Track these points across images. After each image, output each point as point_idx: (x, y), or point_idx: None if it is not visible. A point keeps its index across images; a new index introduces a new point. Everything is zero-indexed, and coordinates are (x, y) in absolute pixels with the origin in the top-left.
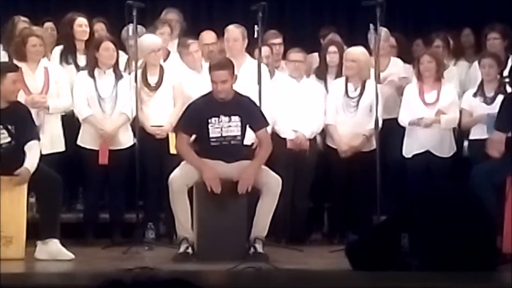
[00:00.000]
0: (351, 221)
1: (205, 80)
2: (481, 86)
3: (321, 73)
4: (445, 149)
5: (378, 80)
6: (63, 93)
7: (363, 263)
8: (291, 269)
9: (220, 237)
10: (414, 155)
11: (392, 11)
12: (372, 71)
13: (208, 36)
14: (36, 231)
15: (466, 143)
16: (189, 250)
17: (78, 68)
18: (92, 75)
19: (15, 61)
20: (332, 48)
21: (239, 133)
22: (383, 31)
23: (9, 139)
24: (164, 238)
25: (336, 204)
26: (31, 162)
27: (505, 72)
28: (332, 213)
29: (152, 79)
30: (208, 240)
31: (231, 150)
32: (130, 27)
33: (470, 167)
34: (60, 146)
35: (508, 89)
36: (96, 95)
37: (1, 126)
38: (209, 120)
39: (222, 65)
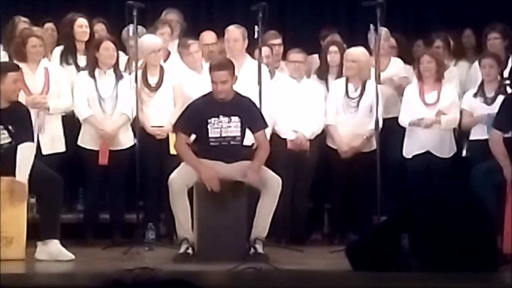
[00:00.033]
0: (351, 222)
1: (206, 80)
2: (481, 86)
3: (322, 73)
4: (445, 150)
5: (378, 80)
6: (64, 93)
7: (364, 264)
8: (291, 270)
9: (220, 237)
10: (414, 156)
11: (393, 12)
12: (373, 71)
13: (208, 36)
14: (36, 232)
15: (466, 145)
16: (189, 250)
17: (78, 68)
18: (92, 75)
19: (15, 62)
20: (333, 48)
21: (239, 134)
22: (383, 30)
23: (9, 139)
24: (164, 239)
25: (337, 205)
26: (22, 173)
27: (506, 73)
28: (332, 214)
29: (152, 80)
30: (208, 241)
31: (231, 151)
32: (131, 27)
33: (470, 168)
34: (60, 147)
35: (509, 90)
36: (96, 95)
37: (2, 127)
38: (209, 120)
39: (222, 65)
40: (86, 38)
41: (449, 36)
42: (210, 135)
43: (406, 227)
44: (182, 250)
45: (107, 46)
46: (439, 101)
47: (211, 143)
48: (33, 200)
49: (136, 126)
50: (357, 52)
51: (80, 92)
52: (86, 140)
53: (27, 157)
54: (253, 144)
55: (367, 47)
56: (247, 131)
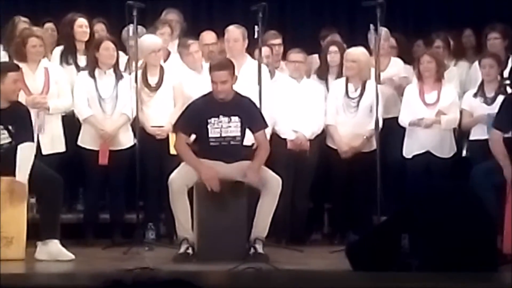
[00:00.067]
0: (351, 222)
1: (206, 80)
2: (481, 86)
3: (323, 73)
4: (446, 150)
5: (378, 80)
6: (64, 93)
7: (364, 264)
8: (291, 270)
9: (220, 237)
10: (414, 156)
11: (393, 12)
12: (373, 71)
13: (209, 36)
14: (36, 232)
15: (466, 145)
16: (189, 250)
17: (78, 68)
18: (92, 75)
19: (15, 62)
20: (333, 48)
21: (239, 134)
22: (383, 30)
23: (9, 139)
24: (165, 239)
25: (337, 205)
26: (22, 173)
27: (506, 73)
28: (332, 214)
29: (153, 80)
30: (208, 241)
31: (231, 151)
32: (131, 27)
33: (470, 168)
34: (60, 147)
35: (509, 90)
36: (96, 95)
37: (2, 127)
38: (209, 120)
39: (222, 65)
40: (86, 38)
41: (449, 36)
42: (210, 135)
43: (406, 227)
44: (182, 250)
45: (107, 46)
46: (439, 101)
47: (211, 143)
48: (33, 200)
49: (136, 126)
50: (357, 52)
51: (80, 92)
52: (86, 140)
53: (27, 157)
54: (253, 144)
55: (367, 47)
56: (247, 131)
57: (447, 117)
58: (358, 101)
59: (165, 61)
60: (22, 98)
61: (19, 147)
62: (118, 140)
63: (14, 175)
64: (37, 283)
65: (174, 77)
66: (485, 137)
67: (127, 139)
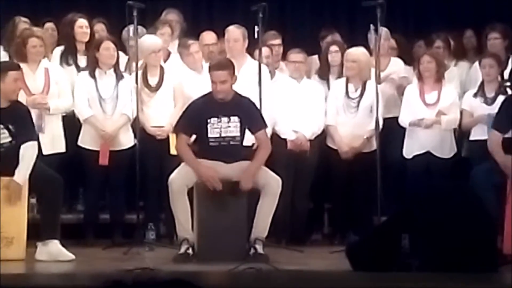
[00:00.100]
0: (352, 222)
1: (206, 80)
2: (481, 86)
3: (324, 73)
4: (446, 150)
5: (378, 80)
6: (64, 93)
7: (364, 264)
8: (291, 270)
9: (220, 237)
10: (414, 156)
11: (393, 12)
12: (373, 71)
13: (209, 36)
14: (36, 232)
15: (466, 145)
16: (190, 250)
17: (78, 69)
18: (93, 75)
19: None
20: (334, 48)
21: (238, 134)
22: (384, 30)
23: (9, 139)
24: (165, 239)
25: (337, 205)
26: (23, 172)
27: (506, 74)
28: (332, 214)
29: (153, 80)
30: (208, 241)
31: (230, 151)
32: (131, 27)
33: (470, 168)
34: (60, 147)
35: (509, 91)
36: (97, 96)
37: (2, 126)
38: (208, 121)
39: (222, 65)
40: (87, 39)
41: (450, 36)
42: (209, 135)
43: (406, 227)
44: (182, 250)
45: (107, 46)
46: (439, 101)
47: (211, 143)
48: (33, 200)
49: (137, 126)
50: (357, 52)
51: (81, 92)
52: (86, 140)
53: (30, 156)
54: (253, 144)
55: (367, 47)
56: (247, 131)
57: (447, 117)
58: (358, 101)
59: (165, 61)
60: (22, 98)
61: (22, 146)
62: (118, 140)
63: (13, 174)
64: (37, 283)
65: (174, 78)
66: (485, 137)
67: (127, 140)
